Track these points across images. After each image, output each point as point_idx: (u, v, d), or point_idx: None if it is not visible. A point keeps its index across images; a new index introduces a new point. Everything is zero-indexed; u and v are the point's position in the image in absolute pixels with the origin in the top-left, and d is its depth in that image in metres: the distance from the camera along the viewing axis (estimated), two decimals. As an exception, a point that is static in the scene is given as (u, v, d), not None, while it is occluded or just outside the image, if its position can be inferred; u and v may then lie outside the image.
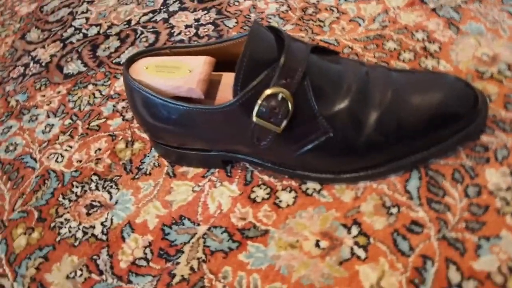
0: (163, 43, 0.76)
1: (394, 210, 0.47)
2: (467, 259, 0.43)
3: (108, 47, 0.80)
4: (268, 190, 0.53)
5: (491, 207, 0.45)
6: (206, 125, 0.49)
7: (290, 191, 0.52)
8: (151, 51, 0.54)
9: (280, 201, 0.51)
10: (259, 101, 0.44)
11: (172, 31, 0.78)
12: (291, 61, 0.44)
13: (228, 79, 0.53)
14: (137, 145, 0.62)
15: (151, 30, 0.80)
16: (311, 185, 0.51)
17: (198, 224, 0.52)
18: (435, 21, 0.63)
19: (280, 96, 0.44)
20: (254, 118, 0.45)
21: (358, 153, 0.47)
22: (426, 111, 0.46)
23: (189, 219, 0.53)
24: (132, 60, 0.53)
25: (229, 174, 0.55)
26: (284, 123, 0.45)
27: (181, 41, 0.75)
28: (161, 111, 0.50)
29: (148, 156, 0.61)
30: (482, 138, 0.50)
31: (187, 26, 0.78)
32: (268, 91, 0.44)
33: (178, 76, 0.50)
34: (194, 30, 0.76)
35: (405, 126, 0.46)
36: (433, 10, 0.65)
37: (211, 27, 0.76)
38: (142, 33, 0.80)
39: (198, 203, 0.54)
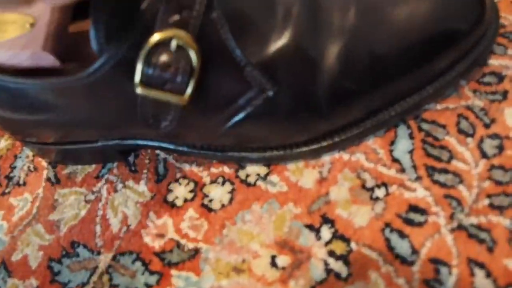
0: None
1: (380, 193, 0.31)
2: (499, 256, 0.27)
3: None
4: (192, 185, 0.36)
5: (522, 167, 0.29)
6: (74, 106, 0.31)
7: (223, 183, 0.35)
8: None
9: (211, 201, 0.35)
10: (141, 58, 0.26)
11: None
12: None
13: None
14: (3, 143, 0.44)
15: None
16: (253, 169, 0.35)
17: (99, 253, 0.35)
18: None
19: (174, 43, 0.26)
20: (138, 89, 0.27)
21: (317, 112, 0.30)
22: (411, 34, 0.29)
23: (85, 246, 0.36)
24: None
25: (133, 168, 0.38)
26: (190, 88, 0.27)
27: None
28: (1, 96, 0.32)
29: (20, 157, 0.42)
30: (491, 62, 0.34)
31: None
32: (153, 39, 0.26)
33: (13, 35, 0.32)
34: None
35: (382, 59, 0.29)
36: None
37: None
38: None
39: (95, 218, 0.37)
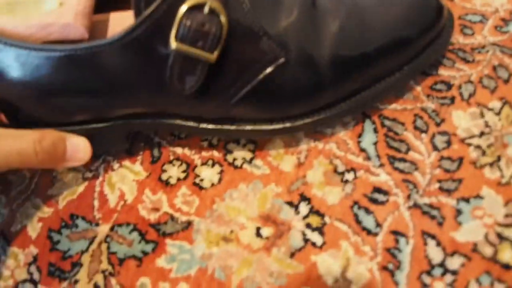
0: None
1: (349, 176, 0.37)
2: (447, 230, 0.33)
3: None
4: (184, 166, 0.40)
5: (465, 159, 0.36)
6: (99, 74, 0.34)
7: (212, 165, 0.40)
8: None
9: (202, 180, 0.39)
10: (178, 18, 0.30)
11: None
12: None
13: (118, 20, 0.39)
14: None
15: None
16: (239, 154, 0.40)
17: (97, 224, 0.39)
18: None
19: (207, 7, 0.31)
20: (174, 44, 0.31)
21: (319, 79, 0.35)
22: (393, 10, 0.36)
23: (83, 218, 0.40)
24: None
25: (128, 149, 0.42)
26: (218, 49, 0.32)
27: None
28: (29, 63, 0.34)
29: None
30: (441, 72, 0.40)
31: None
32: (188, 3, 0.30)
33: (44, 11, 0.35)
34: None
35: (370, 37, 0.36)
36: None
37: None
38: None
39: (93, 194, 0.40)
